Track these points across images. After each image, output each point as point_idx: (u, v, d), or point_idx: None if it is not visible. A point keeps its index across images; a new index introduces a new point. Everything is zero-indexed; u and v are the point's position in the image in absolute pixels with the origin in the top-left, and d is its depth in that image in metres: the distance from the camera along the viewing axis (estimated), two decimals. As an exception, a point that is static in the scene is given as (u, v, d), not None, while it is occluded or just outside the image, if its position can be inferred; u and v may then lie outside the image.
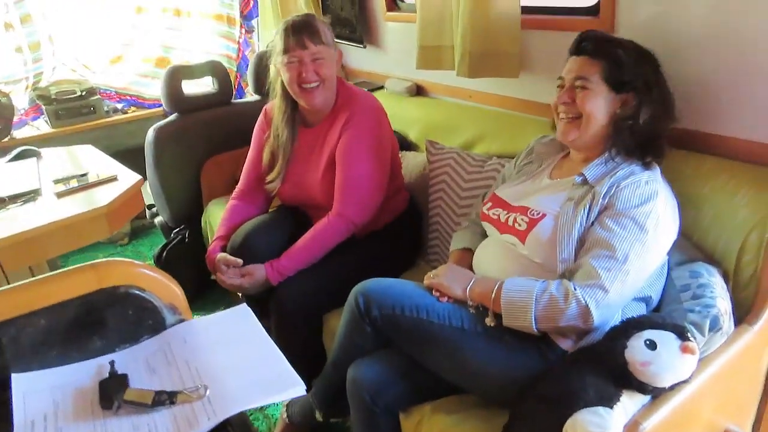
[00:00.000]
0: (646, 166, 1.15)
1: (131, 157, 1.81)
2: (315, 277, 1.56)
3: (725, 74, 1.23)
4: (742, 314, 1.15)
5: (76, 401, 0.71)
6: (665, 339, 0.97)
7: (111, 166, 1.70)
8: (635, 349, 0.96)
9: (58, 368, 0.75)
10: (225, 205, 2.20)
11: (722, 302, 1.08)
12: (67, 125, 2.59)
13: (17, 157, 1.79)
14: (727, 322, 1.07)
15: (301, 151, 1.67)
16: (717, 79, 1.25)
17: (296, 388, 0.69)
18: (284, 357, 0.75)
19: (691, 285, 1.13)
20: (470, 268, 1.37)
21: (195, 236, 2.36)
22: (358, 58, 2.57)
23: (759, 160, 1.19)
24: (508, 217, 1.25)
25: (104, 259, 0.78)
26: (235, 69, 2.93)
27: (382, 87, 2.38)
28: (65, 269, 0.76)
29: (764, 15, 1.14)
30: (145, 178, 1.85)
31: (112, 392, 0.70)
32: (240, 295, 2.03)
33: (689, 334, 0.98)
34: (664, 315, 1.09)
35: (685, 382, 0.98)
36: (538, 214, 1.18)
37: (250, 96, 2.89)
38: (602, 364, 1.00)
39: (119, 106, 2.81)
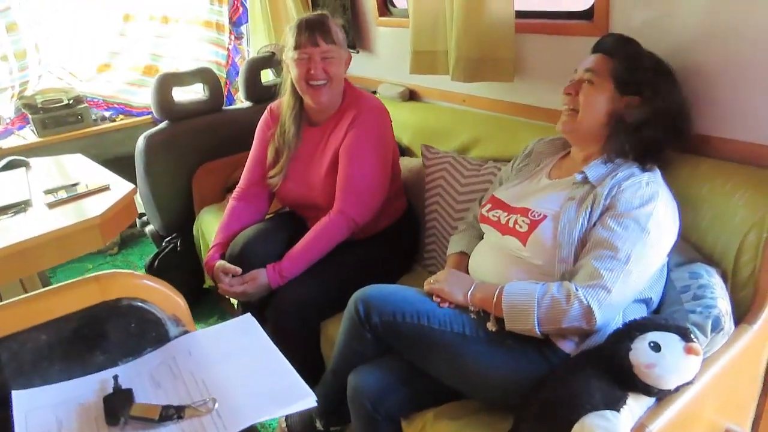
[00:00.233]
0: (646, 169, 1.16)
1: (120, 166, 1.79)
2: (311, 284, 1.55)
3: (720, 77, 1.25)
4: (741, 314, 1.16)
5: (80, 418, 0.69)
6: (669, 341, 0.97)
7: (102, 175, 1.68)
8: (640, 351, 0.97)
9: (59, 384, 0.73)
10: (217, 213, 2.20)
11: (723, 303, 1.09)
12: (54, 134, 2.54)
13: (5, 168, 1.75)
14: (728, 322, 1.08)
15: (306, 149, 1.67)
16: (712, 81, 1.26)
17: (307, 399, 0.68)
18: (292, 367, 0.74)
19: (692, 286, 1.14)
20: (467, 272, 1.37)
21: (187, 245, 2.34)
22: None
23: (756, 161, 1.20)
24: (509, 218, 1.25)
25: (107, 271, 0.76)
26: (225, 75, 2.91)
27: (374, 92, 2.37)
28: (67, 282, 0.74)
29: (757, 18, 1.15)
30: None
31: (118, 408, 0.68)
32: (235, 304, 2.01)
33: (692, 336, 0.98)
34: (666, 316, 1.09)
35: (689, 383, 0.98)
36: (539, 215, 1.18)
37: (240, 103, 2.88)
38: (607, 367, 1.00)
39: (107, 114, 2.77)
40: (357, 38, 2.38)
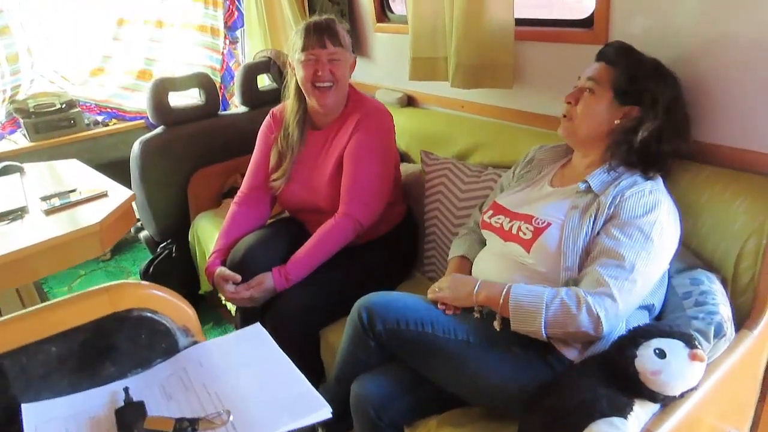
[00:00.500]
0: (648, 177, 1.17)
1: (114, 171, 1.77)
2: (311, 290, 1.55)
3: (720, 84, 1.26)
4: (741, 320, 1.17)
5: (92, 431, 0.68)
6: (674, 347, 0.98)
7: (99, 181, 1.66)
8: (645, 358, 0.97)
9: (70, 396, 0.72)
10: (213, 218, 2.19)
11: (724, 309, 1.11)
12: (47, 139, 2.51)
13: (-1, 173, 1.73)
14: (730, 328, 1.09)
15: (309, 153, 1.67)
16: (712, 89, 1.27)
17: (322, 410, 0.68)
18: (305, 378, 0.74)
19: (693, 292, 1.15)
20: (470, 275, 1.38)
21: (182, 251, 2.32)
22: (348, 69, 2.57)
23: (755, 168, 1.22)
24: (512, 225, 1.25)
25: (117, 282, 0.75)
26: (219, 80, 2.90)
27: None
28: (78, 293, 0.73)
29: (754, 26, 1.17)
30: (130, 191, 1.81)
31: (131, 421, 0.67)
32: (232, 311, 1.99)
33: (696, 342, 0.99)
34: (670, 323, 1.10)
35: (693, 389, 0.99)
36: (543, 222, 1.19)
37: (235, 107, 2.87)
38: (612, 374, 1.00)
39: (100, 118, 2.74)
40: (355, 44, 2.36)
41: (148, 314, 0.76)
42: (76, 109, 2.59)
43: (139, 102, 2.76)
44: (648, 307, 1.17)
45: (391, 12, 2.26)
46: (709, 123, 1.29)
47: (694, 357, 0.97)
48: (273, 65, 2.46)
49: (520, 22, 1.60)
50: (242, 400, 0.70)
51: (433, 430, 1.19)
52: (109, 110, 2.77)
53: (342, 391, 1.28)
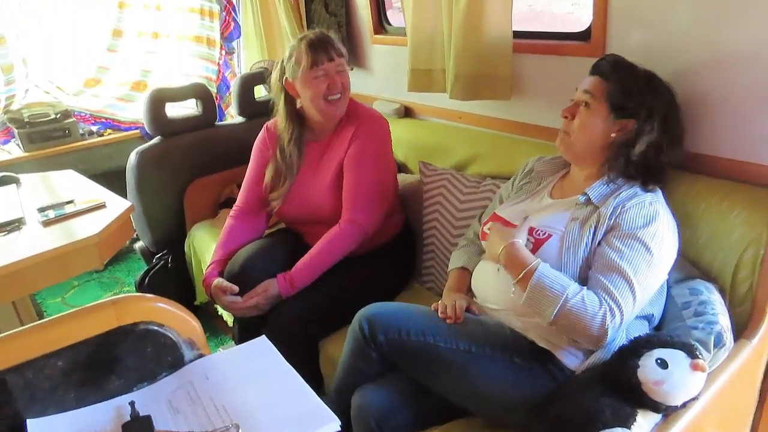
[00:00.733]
0: (648, 189, 1.18)
1: (109, 181, 1.76)
2: (310, 301, 1.54)
3: (715, 96, 1.28)
4: (739, 329, 1.18)
5: (98, 447, 0.67)
6: (676, 357, 0.99)
7: (97, 191, 1.65)
8: (648, 368, 0.98)
9: (75, 411, 0.71)
10: (209, 229, 2.18)
11: (723, 318, 1.12)
12: (41, 149, 2.50)
13: (-5, 184, 1.72)
14: (729, 338, 1.10)
15: (307, 165, 1.67)
16: (707, 101, 1.29)
17: (331, 424, 0.67)
18: (313, 391, 0.74)
19: (692, 302, 1.16)
20: (470, 287, 1.38)
21: (178, 261, 2.31)
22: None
23: (752, 180, 1.23)
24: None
25: (123, 296, 0.75)
26: (215, 90, 2.90)
27: (369, 109, 2.39)
28: (84, 307, 0.72)
29: (750, 38, 1.19)
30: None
31: (138, 436, 0.67)
32: (228, 322, 1.98)
33: (697, 352, 1.00)
34: (671, 333, 1.11)
35: (695, 399, 0.99)
36: (543, 234, 1.19)
37: (231, 118, 2.87)
38: (614, 384, 1.01)
39: (94, 128, 2.73)
40: (352, 56, 2.40)
41: (154, 327, 0.76)
42: (71, 119, 2.58)
43: (134, 112, 2.75)
44: (648, 317, 1.18)
45: (389, 24, 2.27)
46: (707, 134, 1.31)
47: (695, 367, 0.98)
48: (269, 76, 2.47)
49: (518, 34, 1.62)
50: (251, 413, 0.70)
51: (435, 440, 1.19)
52: (104, 120, 2.76)
53: (343, 403, 1.27)
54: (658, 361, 0.98)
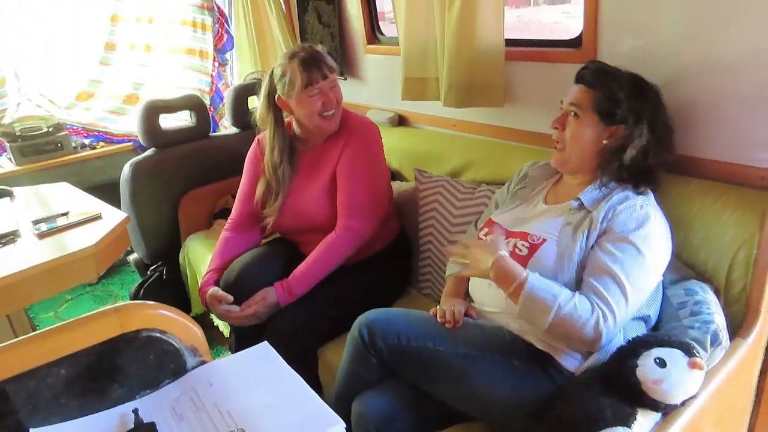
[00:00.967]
0: (639, 192, 1.19)
1: (102, 194, 1.76)
2: (307, 309, 1.54)
3: (707, 100, 1.30)
4: (733, 328, 1.20)
5: (103, 455, 0.67)
6: (674, 356, 1.00)
7: (91, 203, 1.65)
8: (646, 367, 0.99)
9: (78, 420, 0.71)
10: (204, 240, 2.18)
11: (719, 318, 1.13)
12: (33, 162, 2.50)
13: (-12, 198, 1.71)
14: (725, 336, 1.11)
15: (300, 174, 1.67)
16: (699, 105, 1.31)
17: (336, 426, 0.68)
18: (317, 395, 0.74)
19: (688, 302, 1.17)
20: (467, 292, 1.39)
21: (173, 273, 2.30)
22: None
23: (743, 181, 1.25)
24: (508, 242, 1.26)
25: (125, 303, 0.75)
26: (209, 102, 2.91)
27: (362, 118, 2.40)
28: (87, 315, 0.72)
29: (739, 44, 1.22)
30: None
31: (143, 443, 0.67)
32: (225, 333, 1.97)
33: (695, 351, 1.01)
34: (667, 333, 1.12)
35: (693, 397, 1.00)
36: (538, 239, 1.20)
37: (224, 129, 2.88)
38: (614, 384, 1.01)
39: (87, 141, 2.73)
40: (345, 66, 2.41)
41: (157, 334, 0.76)
42: (63, 133, 2.58)
43: (127, 125, 2.75)
44: (644, 318, 1.19)
45: (382, 34, 2.29)
46: (698, 137, 1.33)
47: (693, 365, 0.99)
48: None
49: (510, 42, 1.64)
50: (255, 418, 0.70)
51: (436, 446, 1.19)
52: (96, 133, 2.76)
53: (343, 410, 1.27)
54: (657, 360, 0.99)
